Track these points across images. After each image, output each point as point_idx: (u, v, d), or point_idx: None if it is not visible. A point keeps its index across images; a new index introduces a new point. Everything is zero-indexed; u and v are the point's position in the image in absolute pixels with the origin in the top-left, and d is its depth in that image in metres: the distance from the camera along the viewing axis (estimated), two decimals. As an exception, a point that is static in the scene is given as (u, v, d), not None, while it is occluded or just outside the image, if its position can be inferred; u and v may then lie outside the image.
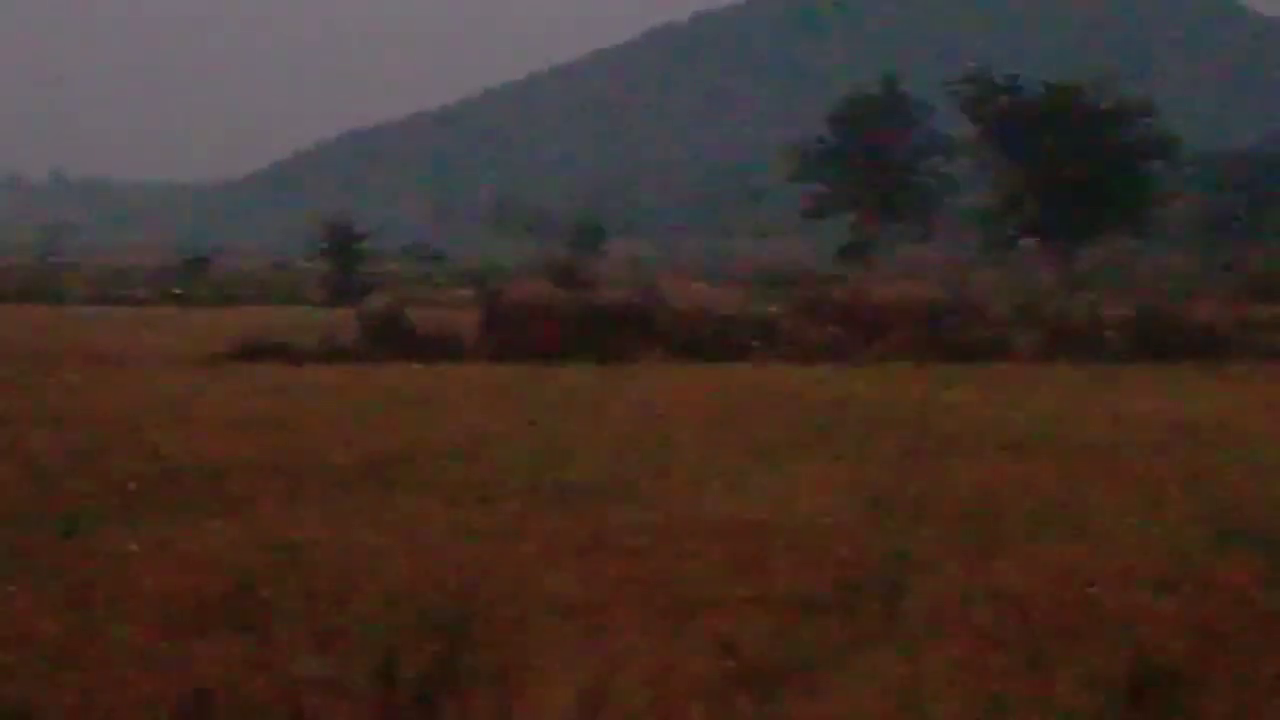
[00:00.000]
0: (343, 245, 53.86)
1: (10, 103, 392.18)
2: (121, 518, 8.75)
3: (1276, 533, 8.45)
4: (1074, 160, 56.39)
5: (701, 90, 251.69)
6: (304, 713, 5.30)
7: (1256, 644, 6.21)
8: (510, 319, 23.30)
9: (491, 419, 13.79)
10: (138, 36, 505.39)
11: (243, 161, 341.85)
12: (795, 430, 13.14)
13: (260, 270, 69.20)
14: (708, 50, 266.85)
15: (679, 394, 16.58)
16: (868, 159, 75.56)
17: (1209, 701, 5.49)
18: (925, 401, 15.77)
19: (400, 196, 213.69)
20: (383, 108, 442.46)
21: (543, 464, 10.85)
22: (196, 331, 26.49)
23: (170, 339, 24.87)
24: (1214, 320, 24.70)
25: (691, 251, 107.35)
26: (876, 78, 78.52)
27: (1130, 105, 59.30)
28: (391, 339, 22.54)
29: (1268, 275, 40.40)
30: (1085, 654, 6.02)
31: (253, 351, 21.17)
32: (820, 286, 29.97)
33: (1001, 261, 58.97)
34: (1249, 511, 9.14)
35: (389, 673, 5.57)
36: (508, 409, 14.84)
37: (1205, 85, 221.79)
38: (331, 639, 6.11)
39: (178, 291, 46.47)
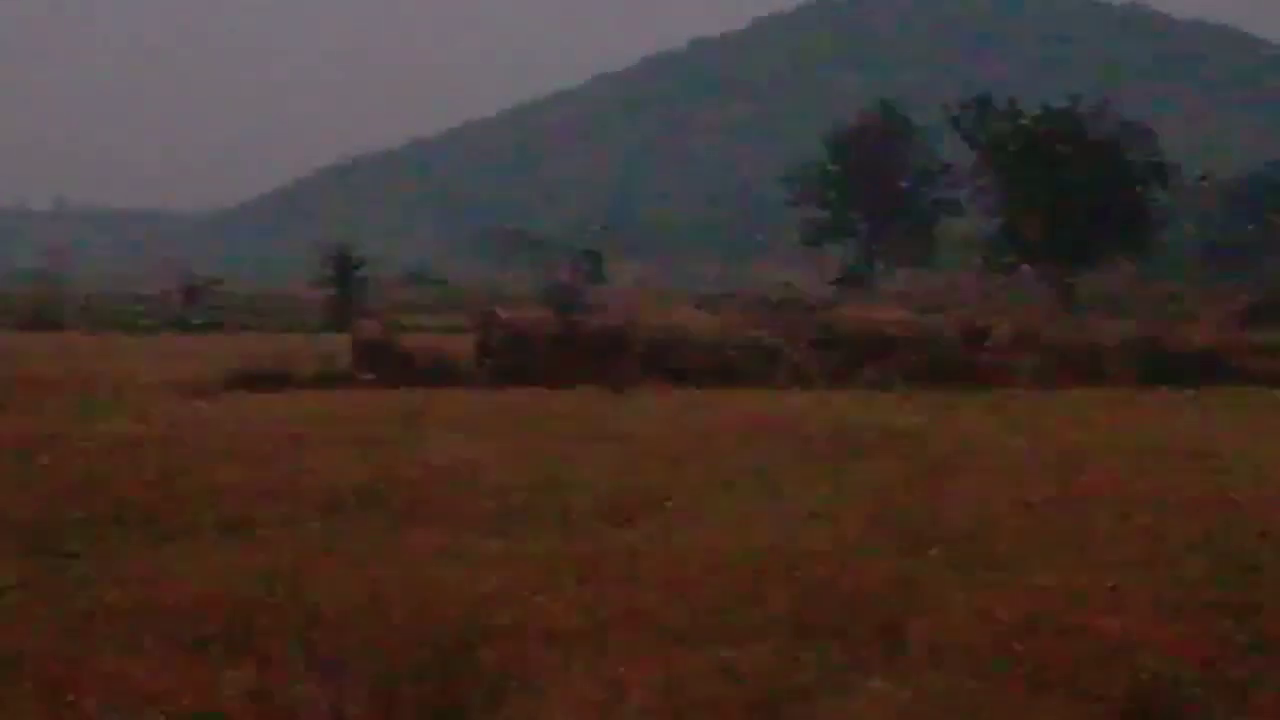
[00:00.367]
0: (344, 272, 53.98)
1: (13, 132, 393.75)
2: (119, 544, 8.74)
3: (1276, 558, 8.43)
4: (1074, 185, 56.59)
5: (704, 116, 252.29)
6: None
7: (1257, 673, 6.19)
8: (506, 344, 23.29)
9: (489, 445, 13.78)
10: (137, 63, 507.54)
11: (242, 188, 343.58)
12: (794, 456, 13.12)
13: (261, 297, 69.22)
14: (708, 76, 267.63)
15: (676, 420, 16.56)
16: (867, 183, 75.79)
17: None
18: (925, 426, 15.75)
19: (401, 222, 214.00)
20: (384, 133, 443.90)
21: (541, 490, 10.83)
22: (197, 357, 26.49)
23: (172, 364, 24.86)
24: (1214, 344, 24.72)
25: (700, 276, 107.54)
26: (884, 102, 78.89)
27: (1130, 130, 59.55)
28: (386, 364, 22.52)
29: (1267, 299, 40.45)
30: (1086, 681, 6.00)
31: (251, 378, 21.17)
32: (820, 312, 30.00)
33: (1002, 285, 59.08)
34: (1250, 536, 9.12)
35: (389, 700, 5.56)
36: (505, 434, 14.82)
37: (1206, 108, 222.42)
38: (331, 666, 6.10)
39: (179, 318, 46.54)
